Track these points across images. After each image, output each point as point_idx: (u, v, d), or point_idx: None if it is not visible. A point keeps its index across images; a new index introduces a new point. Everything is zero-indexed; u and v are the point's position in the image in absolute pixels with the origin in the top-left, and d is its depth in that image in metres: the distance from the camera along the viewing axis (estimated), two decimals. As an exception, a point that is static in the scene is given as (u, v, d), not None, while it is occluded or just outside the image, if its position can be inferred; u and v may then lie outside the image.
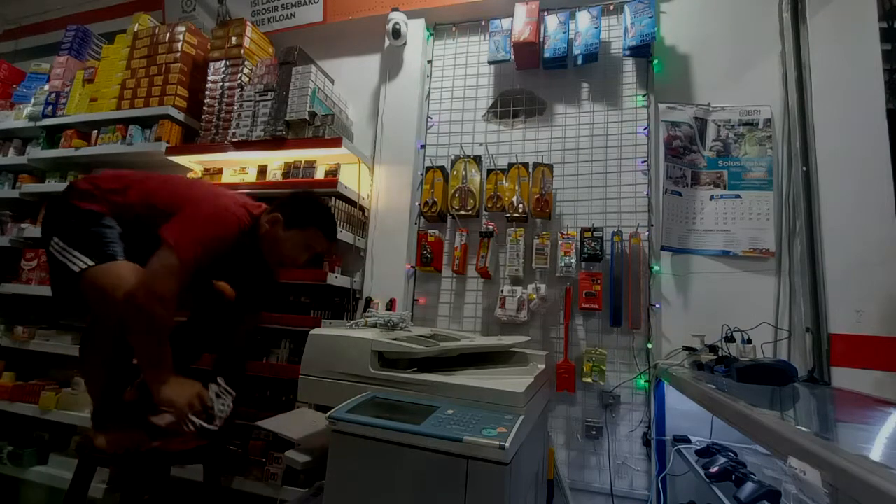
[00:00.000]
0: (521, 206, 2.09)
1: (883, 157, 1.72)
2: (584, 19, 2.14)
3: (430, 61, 2.51)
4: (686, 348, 1.81)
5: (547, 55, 2.19)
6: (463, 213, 2.20)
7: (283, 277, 2.09)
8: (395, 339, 1.36)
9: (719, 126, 2.01)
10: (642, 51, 2.08)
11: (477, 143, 2.33)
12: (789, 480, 0.73)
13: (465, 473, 0.99)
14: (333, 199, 2.13)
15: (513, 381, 1.28)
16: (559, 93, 2.28)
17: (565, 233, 2.04)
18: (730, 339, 1.63)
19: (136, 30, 2.61)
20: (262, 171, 2.35)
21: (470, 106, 2.41)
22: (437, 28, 2.53)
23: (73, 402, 2.23)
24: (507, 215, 2.13)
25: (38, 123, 2.68)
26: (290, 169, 2.29)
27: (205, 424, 1.31)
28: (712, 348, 1.65)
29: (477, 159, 2.25)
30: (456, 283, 2.26)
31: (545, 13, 2.22)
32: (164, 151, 2.35)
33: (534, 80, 2.33)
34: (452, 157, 2.30)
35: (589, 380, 1.92)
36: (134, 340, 1.28)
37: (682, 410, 1.71)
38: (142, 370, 1.35)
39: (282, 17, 2.68)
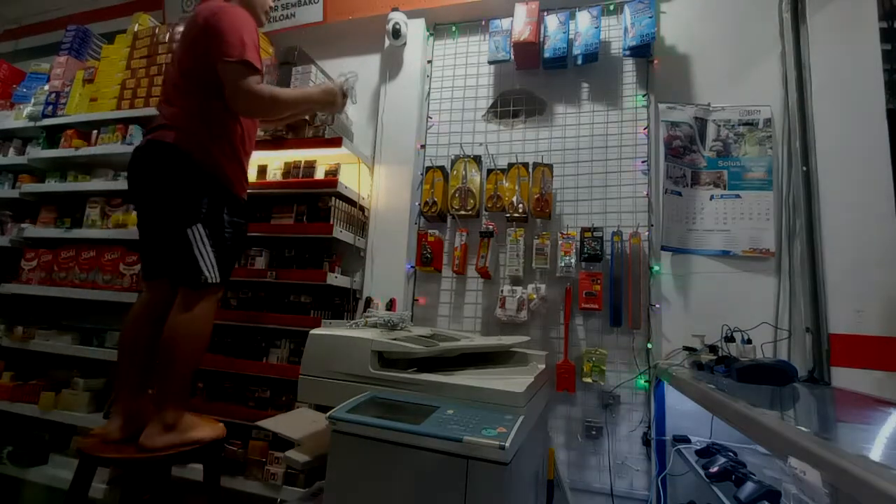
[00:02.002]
0: (521, 206, 2.09)
1: (883, 157, 1.72)
2: (584, 19, 2.14)
3: (430, 61, 2.51)
4: (686, 348, 1.80)
5: (547, 55, 2.19)
6: (463, 213, 2.20)
7: (283, 278, 2.09)
8: (395, 339, 1.36)
9: (719, 126, 2.01)
10: (642, 51, 2.08)
11: (477, 143, 2.33)
12: (789, 480, 0.73)
13: (465, 473, 0.99)
14: (333, 198, 2.13)
15: (513, 381, 1.28)
16: (559, 93, 2.28)
17: (565, 233, 2.04)
18: (730, 339, 1.63)
19: (136, 30, 2.60)
20: (262, 171, 2.35)
21: (470, 106, 2.41)
22: (437, 28, 2.53)
23: (73, 402, 2.23)
24: (507, 215, 2.13)
25: (38, 123, 2.67)
26: (290, 169, 2.29)
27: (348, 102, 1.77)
28: (712, 348, 1.65)
29: (477, 159, 2.25)
30: (456, 283, 2.26)
31: (545, 13, 2.22)
32: (164, 151, 2.34)
33: (534, 80, 2.33)
34: (452, 157, 2.30)
35: (589, 380, 1.92)
36: (288, 111, 1.67)
37: (682, 410, 1.71)
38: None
39: (282, 17, 2.68)
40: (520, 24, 2.16)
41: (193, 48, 1.48)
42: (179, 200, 1.43)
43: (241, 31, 1.45)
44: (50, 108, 2.67)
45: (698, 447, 1.55)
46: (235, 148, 1.56)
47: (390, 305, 2.21)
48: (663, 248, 1.96)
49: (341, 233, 2.13)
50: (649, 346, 1.92)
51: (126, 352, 1.51)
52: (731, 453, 1.43)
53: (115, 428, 1.43)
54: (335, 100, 1.75)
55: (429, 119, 2.45)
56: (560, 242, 2.03)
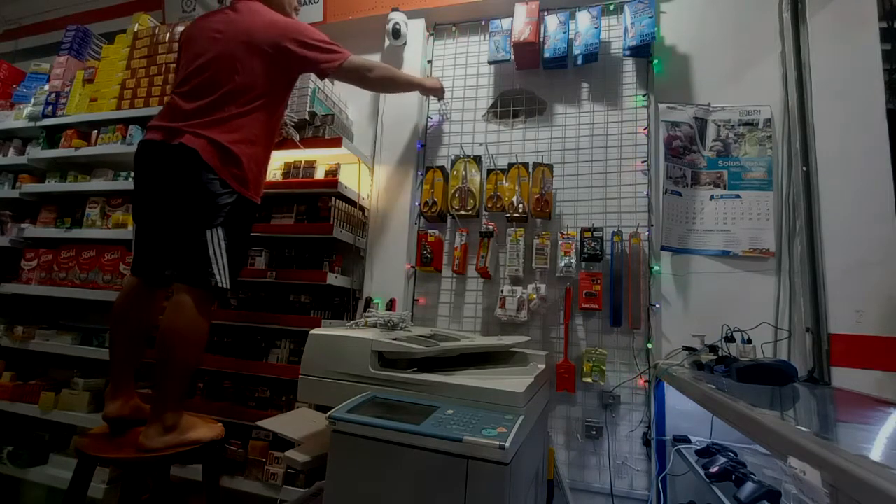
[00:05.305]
0: (521, 206, 2.09)
1: (883, 157, 1.72)
2: (584, 19, 2.14)
3: (430, 61, 2.51)
4: (686, 348, 1.80)
5: (547, 55, 2.19)
6: (463, 213, 2.20)
7: (283, 278, 2.09)
8: (395, 339, 1.36)
9: (719, 126, 2.01)
10: (642, 51, 2.08)
11: (477, 143, 2.33)
12: (789, 480, 0.73)
13: (465, 473, 0.99)
14: (333, 198, 2.13)
15: (513, 381, 1.28)
16: (559, 93, 2.28)
17: (565, 233, 2.04)
18: (730, 339, 1.63)
19: (136, 30, 2.60)
20: (262, 171, 2.35)
21: (470, 106, 2.41)
22: (437, 28, 2.53)
23: (73, 402, 2.23)
24: (507, 215, 2.13)
25: (38, 123, 2.67)
26: (289, 169, 2.29)
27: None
28: (712, 348, 1.65)
29: (477, 159, 2.25)
30: (456, 283, 2.26)
31: (545, 13, 2.22)
32: (164, 151, 2.34)
33: (534, 80, 2.33)
34: (452, 157, 2.30)
35: (589, 380, 1.92)
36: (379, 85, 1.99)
37: (682, 410, 1.71)
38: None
39: (282, 17, 2.67)
40: (520, 24, 2.16)
41: (248, 48, 1.51)
42: (202, 204, 1.44)
43: (315, 34, 1.67)
44: (50, 108, 2.67)
45: (698, 447, 1.55)
46: (258, 153, 1.57)
47: (390, 305, 2.21)
48: (663, 248, 1.96)
49: (341, 233, 2.13)
50: (649, 346, 1.92)
51: (117, 329, 1.54)
52: (731, 453, 1.43)
53: (115, 407, 1.48)
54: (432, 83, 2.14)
55: (429, 119, 2.45)
56: (560, 242, 2.03)
